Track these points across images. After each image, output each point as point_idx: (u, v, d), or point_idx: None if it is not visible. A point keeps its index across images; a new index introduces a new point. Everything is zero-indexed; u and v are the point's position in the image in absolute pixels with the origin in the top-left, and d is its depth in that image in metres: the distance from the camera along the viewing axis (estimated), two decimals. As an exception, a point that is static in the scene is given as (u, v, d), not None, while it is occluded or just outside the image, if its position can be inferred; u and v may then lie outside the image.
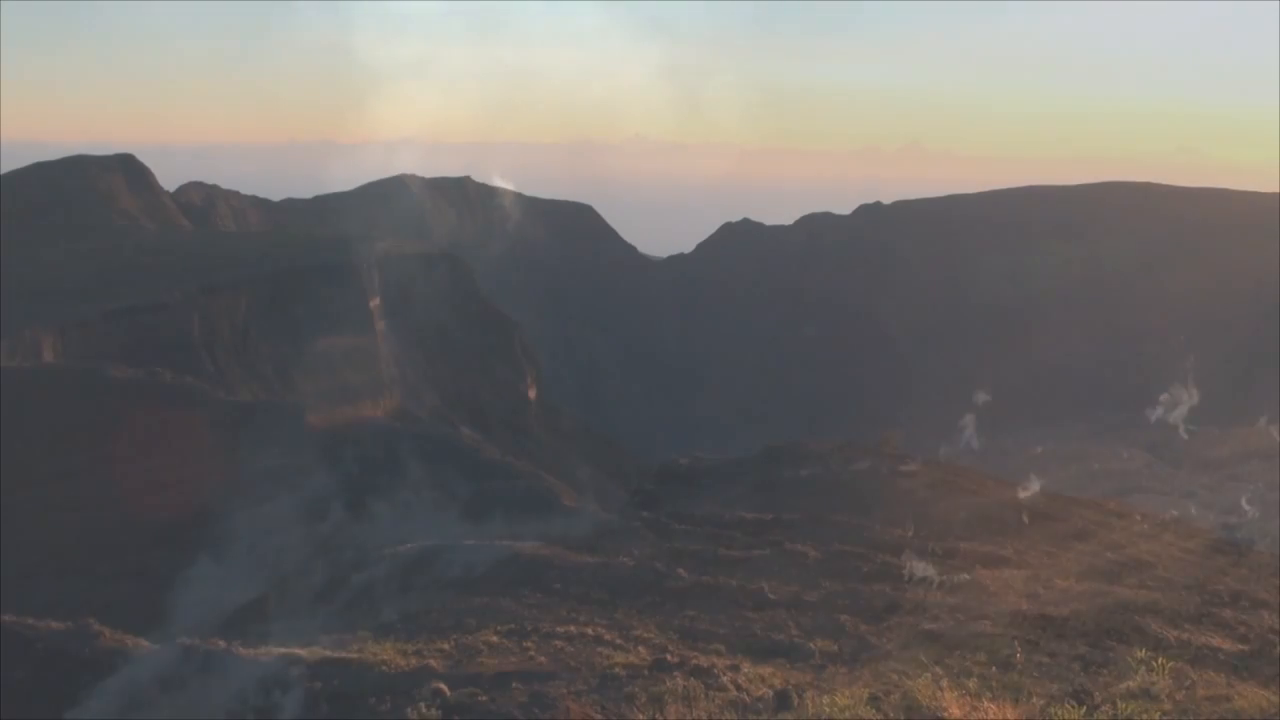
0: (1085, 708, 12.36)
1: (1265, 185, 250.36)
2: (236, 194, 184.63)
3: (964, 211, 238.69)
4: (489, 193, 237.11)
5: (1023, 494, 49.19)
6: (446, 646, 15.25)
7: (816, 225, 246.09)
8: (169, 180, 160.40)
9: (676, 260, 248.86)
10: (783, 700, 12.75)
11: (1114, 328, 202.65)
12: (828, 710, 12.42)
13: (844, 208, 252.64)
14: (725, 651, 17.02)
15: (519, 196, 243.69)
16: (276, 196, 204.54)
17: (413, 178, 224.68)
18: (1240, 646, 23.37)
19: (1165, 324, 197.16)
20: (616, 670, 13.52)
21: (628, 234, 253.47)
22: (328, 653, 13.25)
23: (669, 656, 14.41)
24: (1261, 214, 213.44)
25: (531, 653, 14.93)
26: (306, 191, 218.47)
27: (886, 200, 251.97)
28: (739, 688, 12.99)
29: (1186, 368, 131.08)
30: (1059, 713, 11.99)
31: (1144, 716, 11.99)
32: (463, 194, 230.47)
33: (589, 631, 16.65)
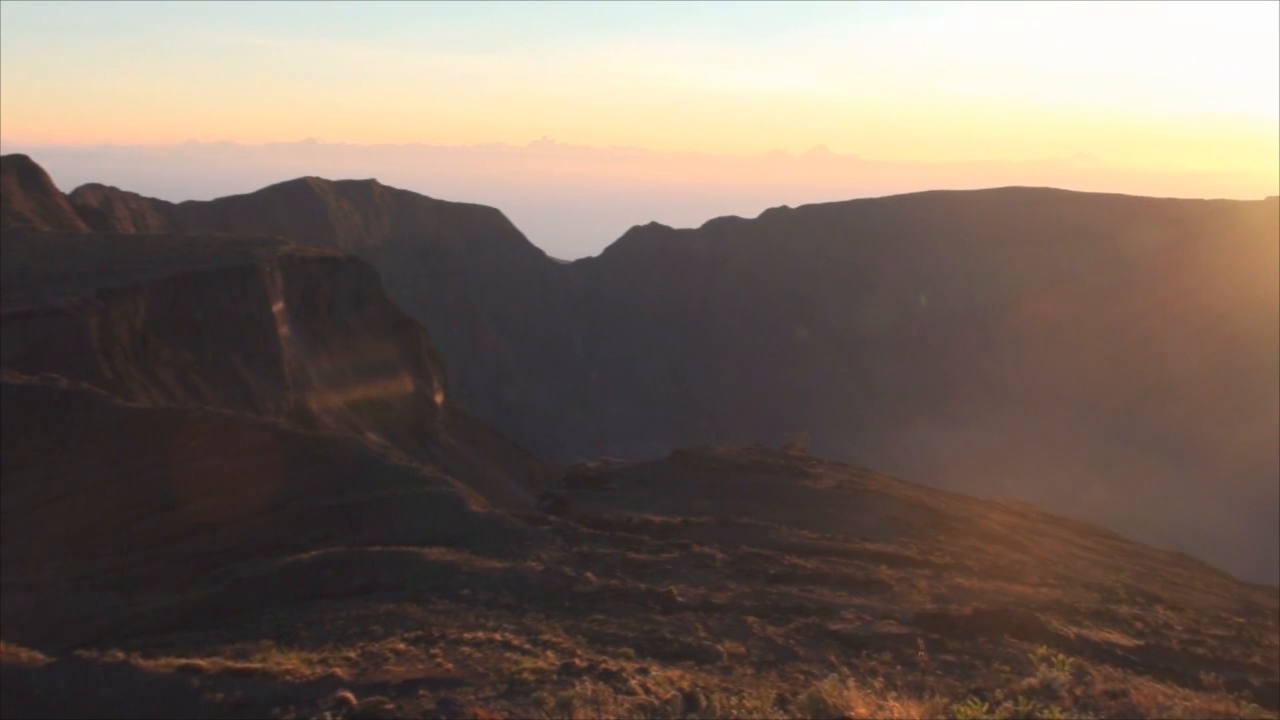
0: (987, 705, 12.56)
1: (1161, 190, 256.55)
2: (135, 196, 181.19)
3: (869, 215, 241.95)
4: (395, 195, 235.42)
5: (925, 494, 49.92)
6: (352, 654, 15.04)
7: (724, 229, 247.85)
8: (65, 182, 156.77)
9: (585, 264, 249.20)
10: (690, 702, 12.76)
11: (1015, 329, 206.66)
12: (735, 712, 12.49)
13: (751, 211, 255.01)
14: (633, 655, 17.00)
15: (426, 199, 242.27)
16: (176, 198, 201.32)
17: (317, 180, 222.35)
18: (1137, 641, 23.92)
19: (1066, 325, 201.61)
20: (524, 675, 13.43)
21: (536, 237, 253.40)
22: (229, 663, 13.05)
23: (577, 661, 14.35)
24: (1157, 217, 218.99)
25: (439, 659, 14.78)
26: (207, 193, 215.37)
27: (793, 204, 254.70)
28: (647, 691, 12.98)
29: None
30: (962, 710, 12.20)
31: (1044, 713, 12.22)
32: (368, 197, 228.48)
33: (496, 637, 16.54)
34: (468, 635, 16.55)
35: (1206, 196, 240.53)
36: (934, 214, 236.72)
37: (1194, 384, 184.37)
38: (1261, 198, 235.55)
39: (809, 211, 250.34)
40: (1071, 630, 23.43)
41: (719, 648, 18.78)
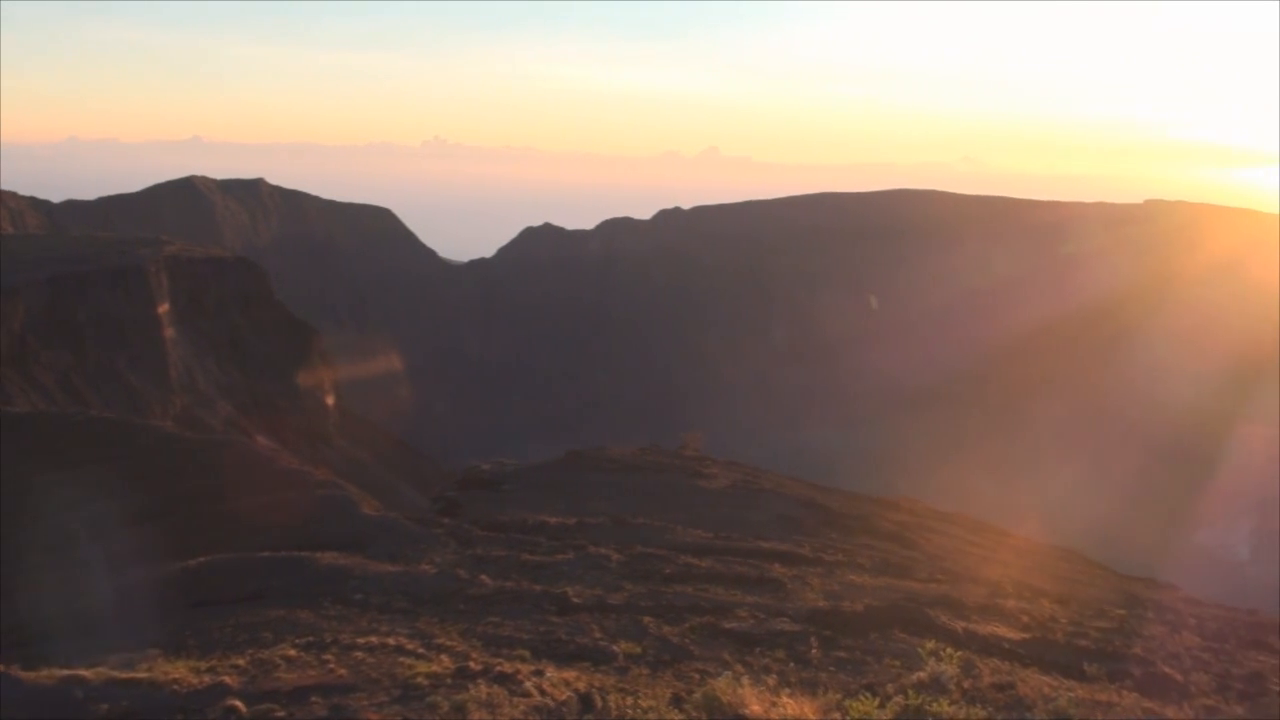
0: (878, 699, 12.75)
1: (1042, 193, 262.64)
2: (13, 195, 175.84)
3: (761, 217, 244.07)
4: (284, 195, 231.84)
5: (818, 492, 50.49)
6: (241, 662, 14.75)
7: (617, 229, 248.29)
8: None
9: (478, 265, 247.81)
10: (586, 703, 12.77)
11: (906, 329, 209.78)
12: (630, 712, 12.51)
13: (644, 212, 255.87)
14: (529, 657, 16.93)
15: (316, 199, 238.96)
16: (57, 197, 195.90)
17: (203, 179, 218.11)
18: (1023, 635, 24.41)
19: (955, 324, 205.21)
20: (419, 680, 13.30)
21: (428, 238, 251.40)
22: (114, 673, 12.73)
23: (472, 664, 14.25)
24: (1038, 220, 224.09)
25: (331, 665, 14.56)
26: (89, 192, 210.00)
27: (686, 205, 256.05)
28: (542, 692, 12.95)
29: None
30: (854, 705, 12.36)
31: (933, 706, 12.42)
32: (257, 196, 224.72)
33: (390, 642, 16.34)
34: (361, 640, 16.35)
35: (1086, 199, 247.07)
36: (824, 215, 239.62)
37: (1080, 381, 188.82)
38: (1139, 200, 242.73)
39: (702, 212, 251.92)
40: (960, 625, 23.84)
41: (615, 648, 18.79)
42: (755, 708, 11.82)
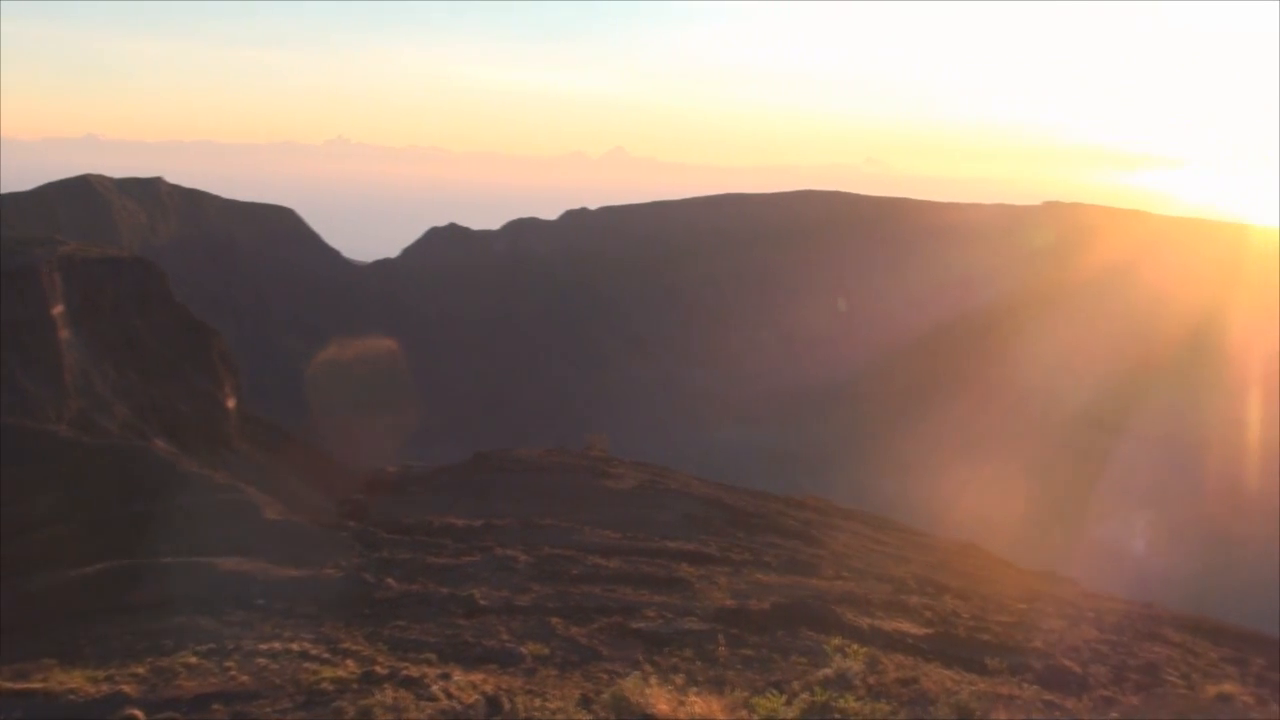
0: (785, 696, 12.84)
1: (944, 194, 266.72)
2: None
3: (667, 217, 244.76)
4: (183, 194, 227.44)
5: (725, 492, 50.74)
6: (141, 670, 14.46)
7: (524, 230, 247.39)
8: None
9: (382, 265, 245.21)
10: (494, 706, 12.70)
11: (810, 328, 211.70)
12: (538, 713, 12.48)
13: (551, 212, 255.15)
14: (436, 660, 16.80)
15: (216, 198, 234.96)
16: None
17: (99, 178, 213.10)
18: (927, 630, 24.72)
19: (858, 323, 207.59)
20: (323, 685, 13.13)
21: (331, 238, 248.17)
22: (8, 684, 12.40)
23: (378, 668, 14.11)
24: (940, 223, 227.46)
25: (233, 672, 14.32)
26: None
27: (592, 206, 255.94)
28: (450, 696, 12.85)
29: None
30: (761, 703, 12.44)
31: (838, 702, 12.55)
32: (155, 195, 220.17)
33: (294, 647, 16.12)
34: (263, 646, 16.11)
35: (986, 201, 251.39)
36: (730, 216, 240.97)
37: (981, 380, 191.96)
38: (1038, 202, 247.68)
39: (608, 213, 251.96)
40: (865, 621, 24.12)
41: (522, 650, 18.73)
42: (663, 707, 11.85)
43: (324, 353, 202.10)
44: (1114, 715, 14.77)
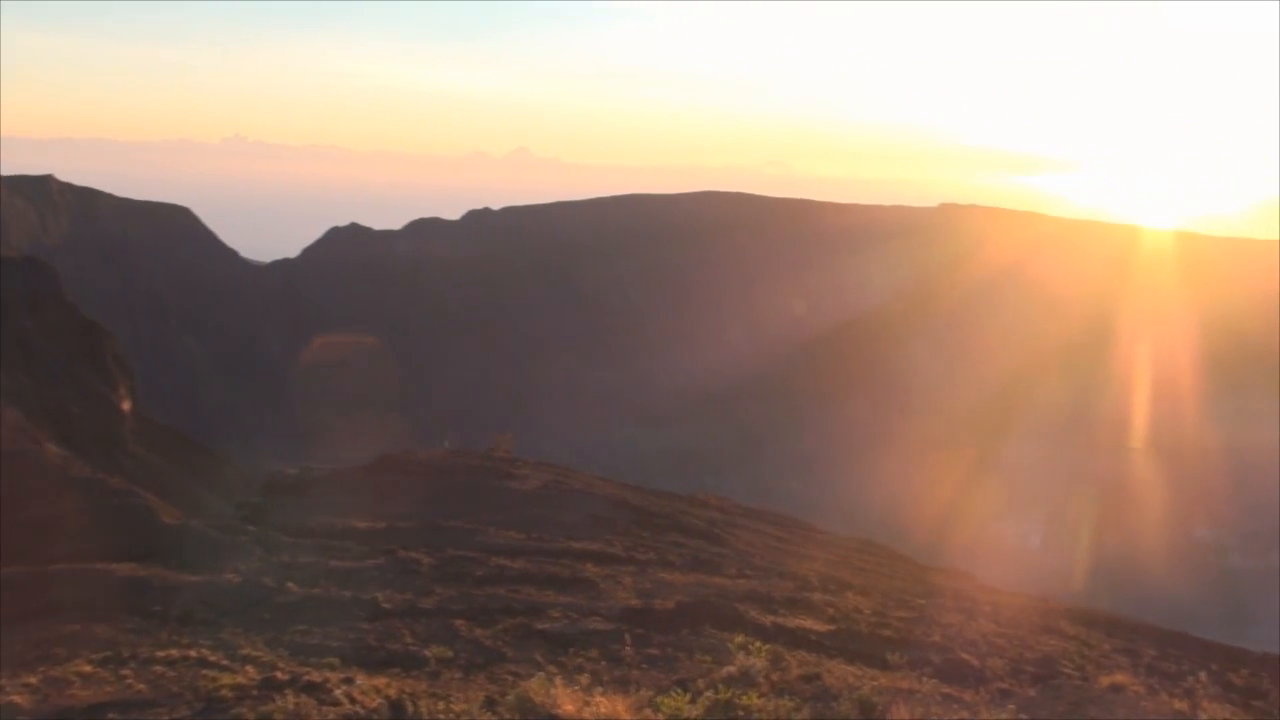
0: (690, 695, 12.92)
1: (843, 196, 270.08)
2: None
3: (570, 218, 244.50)
4: (76, 192, 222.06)
5: (629, 492, 50.83)
6: (33, 680, 14.12)
7: (425, 230, 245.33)
8: None
9: (281, 265, 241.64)
10: (397, 709, 12.61)
11: (712, 328, 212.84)
12: (443, 717, 12.42)
13: (453, 212, 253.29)
14: (338, 665, 16.62)
15: (110, 197, 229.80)
16: None
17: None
18: (829, 626, 25.00)
19: (759, 323, 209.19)
20: (222, 693, 12.92)
21: (229, 237, 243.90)
22: (-109, 697, 12.04)
23: (278, 674, 13.92)
24: (841, 224, 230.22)
25: (129, 680, 14.04)
26: None
27: (495, 206, 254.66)
28: (352, 700, 12.73)
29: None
30: (666, 701, 12.50)
31: (742, 699, 12.65)
32: (46, 193, 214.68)
33: (192, 654, 15.84)
34: (160, 654, 15.83)
35: (885, 203, 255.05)
36: (634, 216, 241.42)
37: (880, 380, 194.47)
38: (935, 204, 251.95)
39: (512, 213, 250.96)
40: (768, 619, 24.34)
41: (426, 653, 18.61)
42: (568, 707, 11.86)
43: (220, 354, 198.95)
44: (1011, 707, 15.06)
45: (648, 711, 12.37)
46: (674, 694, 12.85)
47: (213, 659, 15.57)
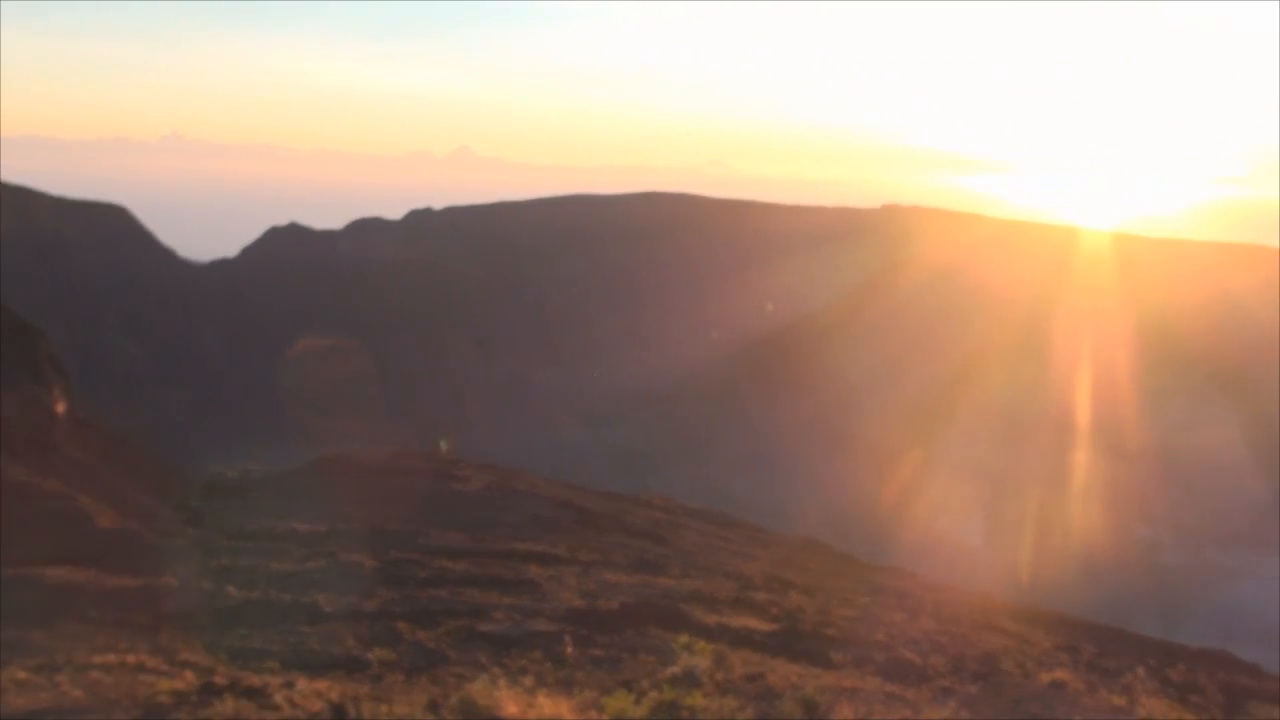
0: (634, 695, 12.91)
1: (786, 197, 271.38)
2: None
3: (513, 217, 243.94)
4: (9, 191, 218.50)
5: (573, 492, 50.70)
6: (-35, 688, 13.87)
7: (367, 230, 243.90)
8: None
9: (220, 265, 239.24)
10: (339, 713, 12.50)
11: (655, 328, 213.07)
12: (385, 719, 12.33)
13: (395, 212, 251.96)
14: (279, 669, 16.44)
15: (44, 195, 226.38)
16: None
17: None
18: (773, 626, 25.07)
19: (702, 324, 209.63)
20: (161, 699, 12.74)
21: (166, 237, 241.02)
22: None
23: (218, 679, 13.74)
24: (783, 225, 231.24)
25: (65, 687, 13.81)
26: None
27: (438, 206, 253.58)
28: (293, 704, 12.60)
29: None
30: (610, 702, 12.48)
31: (686, 699, 12.65)
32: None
33: (130, 660, 15.61)
34: (97, 659, 15.58)
35: (828, 204, 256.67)
36: (577, 216, 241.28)
37: (821, 378, 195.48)
38: (878, 205, 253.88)
39: (454, 213, 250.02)
40: (712, 618, 24.37)
41: (369, 656, 18.47)
42: (511, 709, 11.81)
43: (158, 354, 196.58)
44: (952, 704, 15.17)
45: (592, 712, 12.35)
46: (618, 694, 12.83)
47: (150, 664, 15.36)
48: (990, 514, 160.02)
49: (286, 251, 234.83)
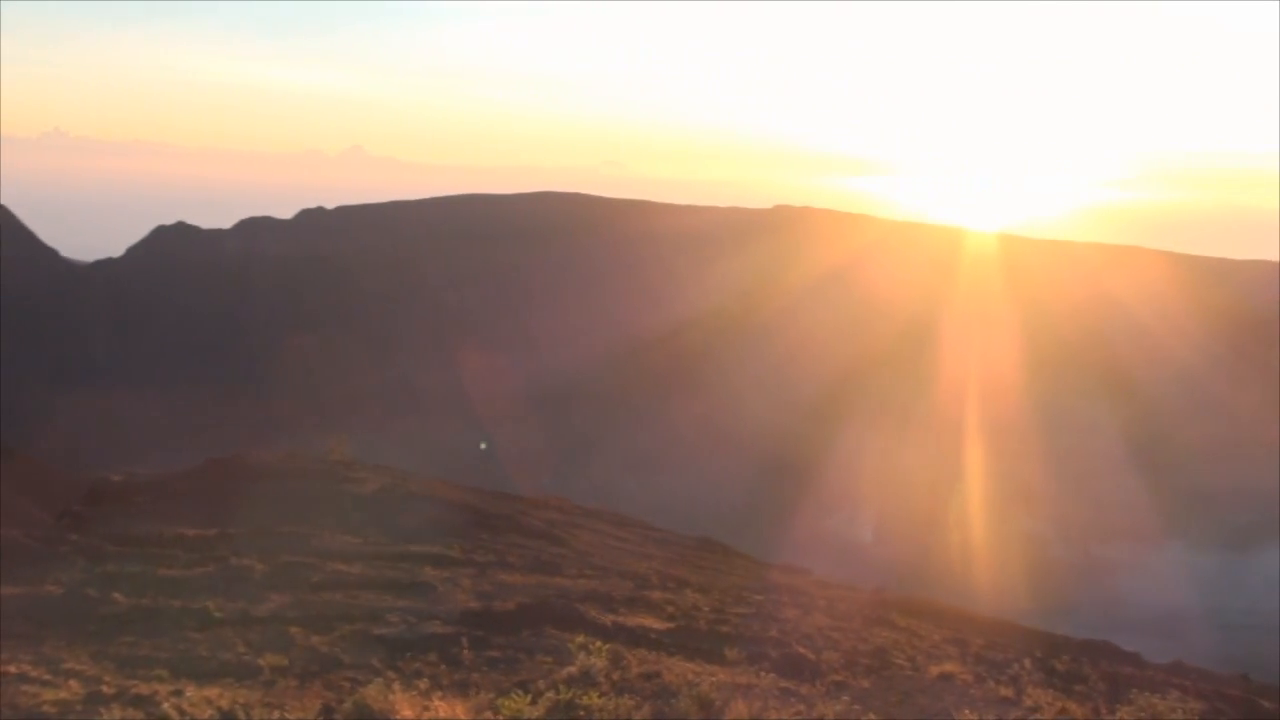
0: (530, 696, 12.92)
1: (680, 197, 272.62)
2: None
3: (407, 217, 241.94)
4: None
5: (468, 493, 50.48)
6: None
7: (257, 229, 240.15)
8: None
9: (105, 264, 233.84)
10: (230, 721, 12.33)
11: (549, 329, 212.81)
12: (278, 726, 12.22)
13: (286, 211, 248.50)
14: (168, 676, 16.16)
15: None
16: None
17: None
18: (668, 624, 25.19)
19: (593, 325, 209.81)
20: (45, 708, 12.48)
21: (49, 236, 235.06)
22: None
23: (105, 688, 13.50)
24: (677, 225, 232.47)
25: (-57, 699, 13.47)
26: None
27: (329, 205, 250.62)
28: (182, 713, 12.41)
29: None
30: (506, 703, 12.48)
31: (583, 698, 12.70)
32: None
33: (12, 669, 15.23)
34: (-23, 670, 15.19)
35: (721, 204, 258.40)
36: (470, 216, 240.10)
37: (714, 378, 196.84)
38: (770, 205, 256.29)
39: (346, 212, 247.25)
40: (608, 618, 24.42)
41: (260, 662, 18.22)
42: (407, 713, 11.77)
43: (40, 356, 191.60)
44: (845, 699, 15.42)
45: (488, 714, 12.34)
46: (514, 696, 12.84)
47: (34, 674, 15.02)
48: (880, 511, 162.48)
49: (174, 251, 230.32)
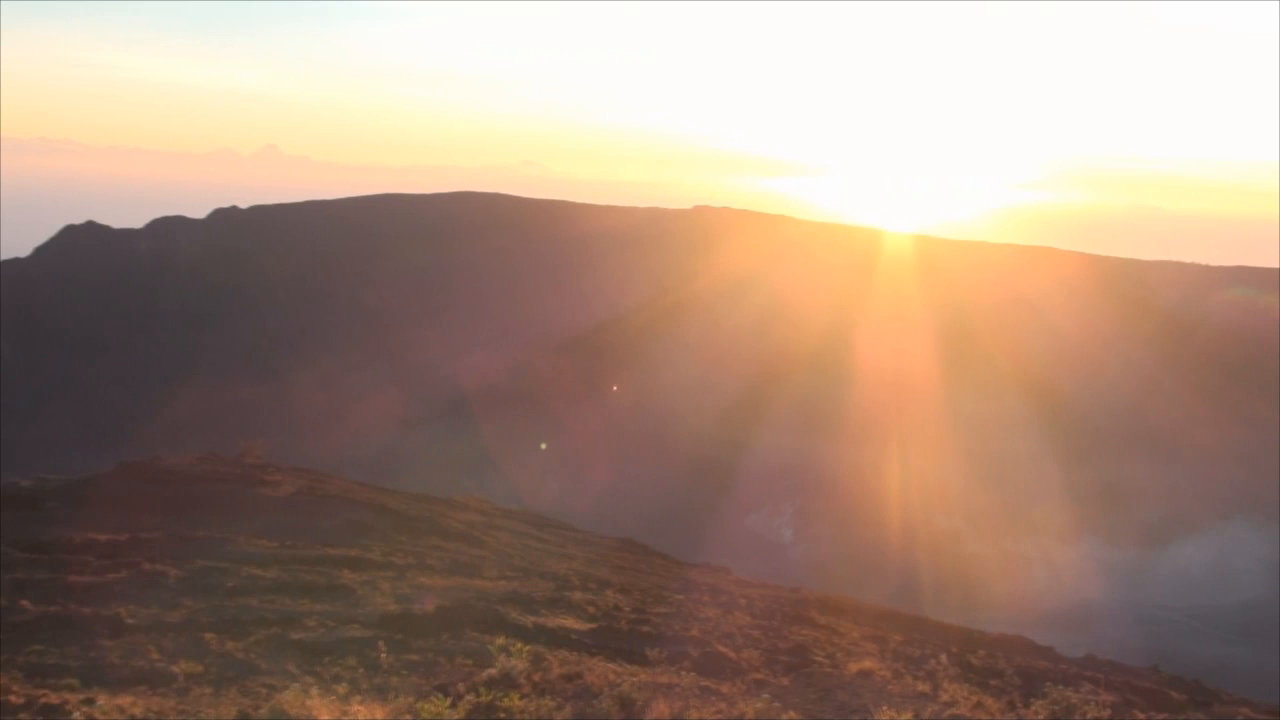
0: (450, 699, 12.84)
1: (600, 198, 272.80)
2: None
3: (322, 217, 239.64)
4: None
5: (387, 496, 50.05)
6: None
7: (169, 229, 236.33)
8: None
9: (12, 265, 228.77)
10: (143, 730, 12.10)
11: (470, 329, 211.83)
12: (193, 734, 12.02)
13: (199, 211, 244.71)
14: (78, 685, 15.85)
15: None
16: None
17: None
18: (590, 625, 25.19)
19: (515, 326, 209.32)
20: (-50, 720, 12.19)
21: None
22: None
23: (12, 698, 13.21)
24: (597, 225, 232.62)
25: None
26: None
27: (243, 204, 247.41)
28: (94, 722, 12.16)
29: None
30: (425, 707, 12.39)
31: (504, 701, 12.64)
32: None
33: (-86, 681, 14.87)
34: (-122, 682, 14.78)
35: (640, 204, 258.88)
36: (387, 216, 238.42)
37: (633, 379, 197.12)
38: (689, 206, 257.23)
39: (260, 212, 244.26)
40: (529, 619, 24.36)
41: (174, 669, 17.94)
42: (325, 718, 11.64)
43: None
44: (765, 696, 15.50)
45: (407, 718, 12.25)
46: (434, 699, 12.74)
47: (-62, 685, 14.63)
48: (800, 510, 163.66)
49: (84, 251, 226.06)
